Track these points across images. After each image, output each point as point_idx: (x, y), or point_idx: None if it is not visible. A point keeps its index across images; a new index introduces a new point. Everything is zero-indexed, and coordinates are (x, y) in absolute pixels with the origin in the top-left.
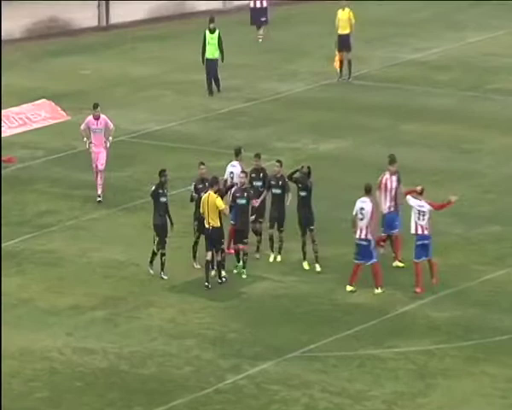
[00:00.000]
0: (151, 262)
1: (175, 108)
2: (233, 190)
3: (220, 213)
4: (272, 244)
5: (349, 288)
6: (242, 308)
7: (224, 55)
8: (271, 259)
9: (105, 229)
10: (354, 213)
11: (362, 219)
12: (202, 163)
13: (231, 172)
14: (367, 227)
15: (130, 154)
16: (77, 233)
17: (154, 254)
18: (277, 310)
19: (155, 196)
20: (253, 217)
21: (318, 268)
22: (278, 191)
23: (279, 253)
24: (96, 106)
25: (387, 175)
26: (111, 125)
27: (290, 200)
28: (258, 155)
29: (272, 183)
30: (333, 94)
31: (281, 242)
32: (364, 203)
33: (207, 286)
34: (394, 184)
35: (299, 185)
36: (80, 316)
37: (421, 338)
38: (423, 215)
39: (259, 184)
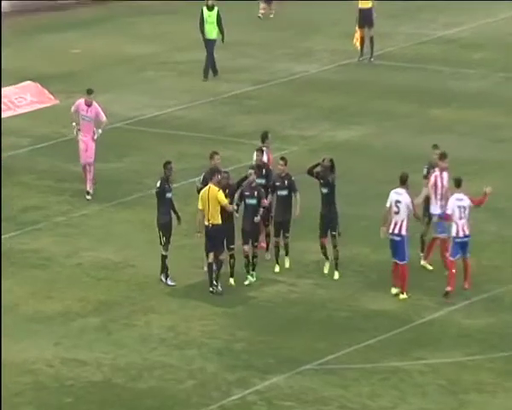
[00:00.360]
0: (164, 271)
1: (176, 92)
2: (241, 188)
3: (223, 209)
4: (278, 252)
5: (394, 290)
6: (251, 315)
7: (224, 35)
8: (277, 269)
9: (98, 226)
10: (388, 205)
11: (397, 213)
12: (216, 153)
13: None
14: (402, 221)
15: (126, 142)
16: (66, 231)
17: (164, 258)
18: (290, 317)
19: (161, 191)
20: (258, 217)
21: (337, 276)
22: (284, 193)
23: (286, 254)
24: (90, 91)
25: (437, 172)
26: (103, 118)
27: (299, 205)
28: (260, 150)
29: (277, 184)
30: (353, 75)
31: (286, 245)
32: (401, 196)
33: (212, 291)
34: (445, 182)
35: (321, 181)
36: (70, 323)
37: (452, 349)
38: (464, 211)
39: (262, 181)
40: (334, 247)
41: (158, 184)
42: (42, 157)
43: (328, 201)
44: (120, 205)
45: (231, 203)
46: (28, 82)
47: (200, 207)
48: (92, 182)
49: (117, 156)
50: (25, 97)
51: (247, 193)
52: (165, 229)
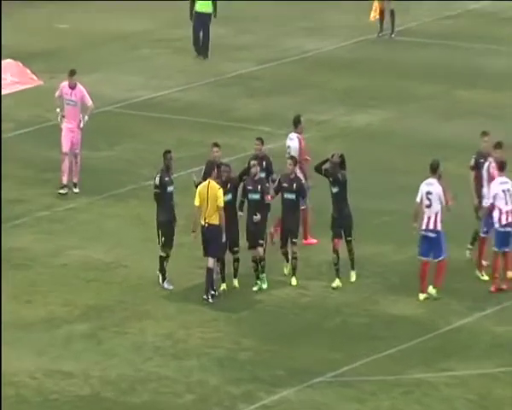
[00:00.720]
0: (162, 274)
1: (173, 71)
2: (244, 181)
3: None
4: (287, 255)
5: (422, 296)
6: (257, 321)
7: (216, 9)
8: (286, 271)
9: (86, 222)
10: (418, 199)
11: (429, 206)
12: (216, 144)
13: (288, 147)
14: (436, 215)
15: (118, 128)
16: (51, 227)
17: (162, 259)
18: (301, 323)
19: (162, 185)
20: (258, 217)
21: (353, 277)
22: (291, 196)
23: (293, 274)
24: (72, 73)
25: (493, 163)
26: (89, 102)
27: (310, 212)
28: (260, 139)
29: (284, 185)
30: (371, 53)
31: (295, 259)
32: (431, 186)
33: (213, 295)
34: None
35: (330, 179)
36: (55, 331)
37: (482, 359)
38: (509, 194)
39: (262, 174)
40: (350, 251)
41: (157, 181)
42: (25, 144)
43: (339, 201)
44: (112, 198)
45: (235, 198)
46: (9, 60)
47: (196, 203)
48: (78, 174)
49: (107, 144)
50: (5, 77)
51: (249, 187)
52: (166, 227)
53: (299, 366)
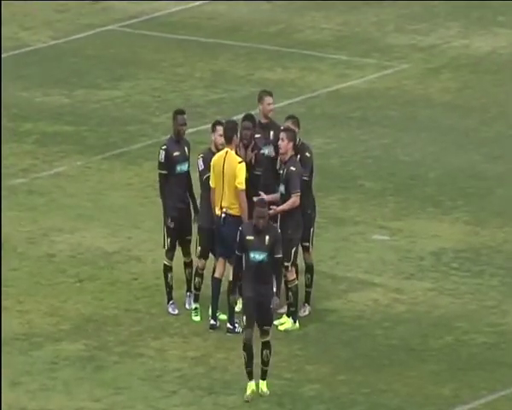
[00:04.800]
0: (189, 289)
1: None
2: None
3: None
4: None
5: None
6: (329, 339)
7: None
8: None
9: (80, 193)
10: None
11: None
12: (267, 92)
13: None
14: None
15: (126, 56)
16: (29, 201)
17: (166, 271)
18: (392, 343)
19: (168, 161)
20: None
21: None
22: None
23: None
24: None
25: None
26: None
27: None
28: (293, 118)
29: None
30: None
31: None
32: None
33: (213, 326)
34: None
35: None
36: (35, 352)
37: None
38: None
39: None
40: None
41: (162, 156)
42: None
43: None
44: (116, 158)
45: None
46: None
47: (212, 185)
48: None
49: (110, 80)
50: None
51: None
52: (172, 226)
53: (391, 405)
